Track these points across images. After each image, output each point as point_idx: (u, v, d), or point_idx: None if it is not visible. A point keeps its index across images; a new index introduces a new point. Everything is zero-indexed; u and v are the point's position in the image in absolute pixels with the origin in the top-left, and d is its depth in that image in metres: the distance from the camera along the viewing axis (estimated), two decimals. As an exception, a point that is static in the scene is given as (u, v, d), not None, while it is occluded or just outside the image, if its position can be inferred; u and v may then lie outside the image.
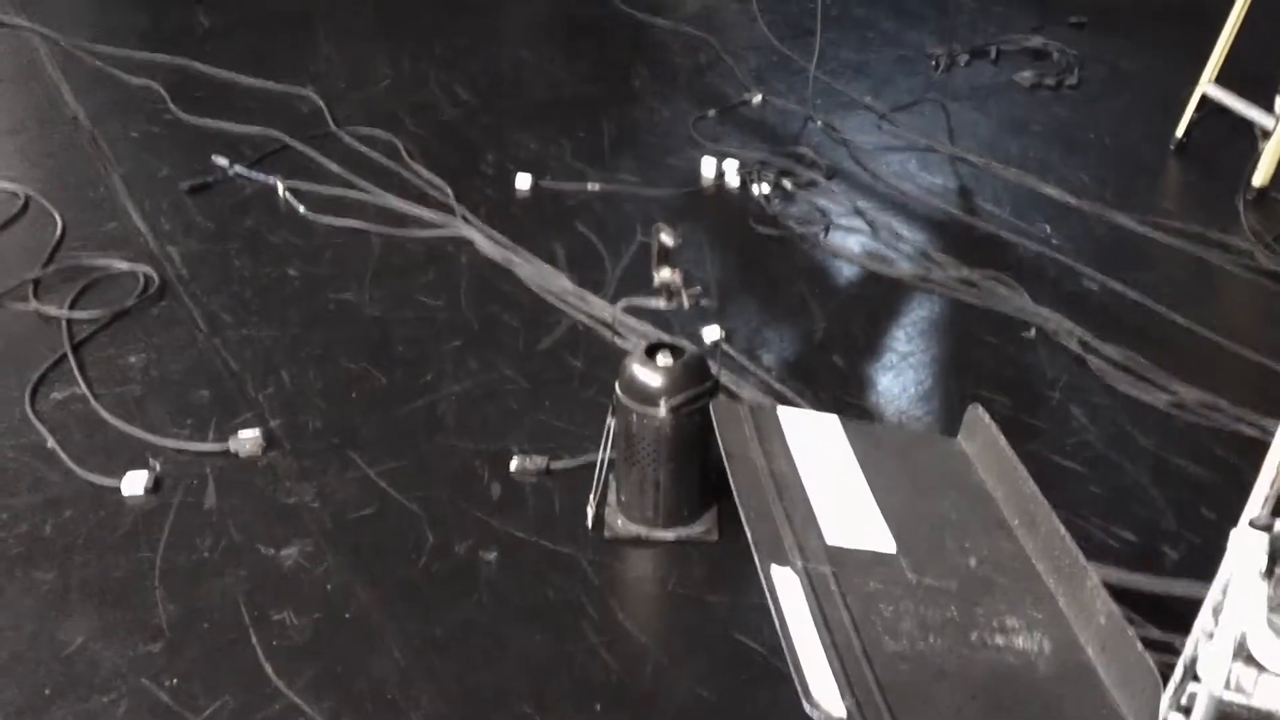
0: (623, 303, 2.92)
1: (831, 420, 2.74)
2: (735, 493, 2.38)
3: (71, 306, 3.56)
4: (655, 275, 2.66)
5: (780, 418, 2.71)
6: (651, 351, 2.65)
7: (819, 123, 4.76)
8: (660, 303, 2.71)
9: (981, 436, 2.61)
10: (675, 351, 2.65)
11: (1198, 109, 4.50)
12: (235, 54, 5.25)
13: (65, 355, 3.34)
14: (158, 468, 2.93)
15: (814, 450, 2.61)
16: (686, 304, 2.68)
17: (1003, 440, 2.51)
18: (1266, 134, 4.17)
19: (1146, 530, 2.81)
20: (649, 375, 2.62)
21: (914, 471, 2.61)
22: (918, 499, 2.51)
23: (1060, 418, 3.17)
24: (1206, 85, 4.45)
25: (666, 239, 2.59)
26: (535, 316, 3.58)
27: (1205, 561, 2.23)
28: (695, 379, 2.63)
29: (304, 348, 3.42)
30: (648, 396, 2.61)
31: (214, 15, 5.74)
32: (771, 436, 2.63)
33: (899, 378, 3.34)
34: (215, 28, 5.64)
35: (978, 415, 2.62)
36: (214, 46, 5.36)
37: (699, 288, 3.51)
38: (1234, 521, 1.69)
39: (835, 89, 5.05)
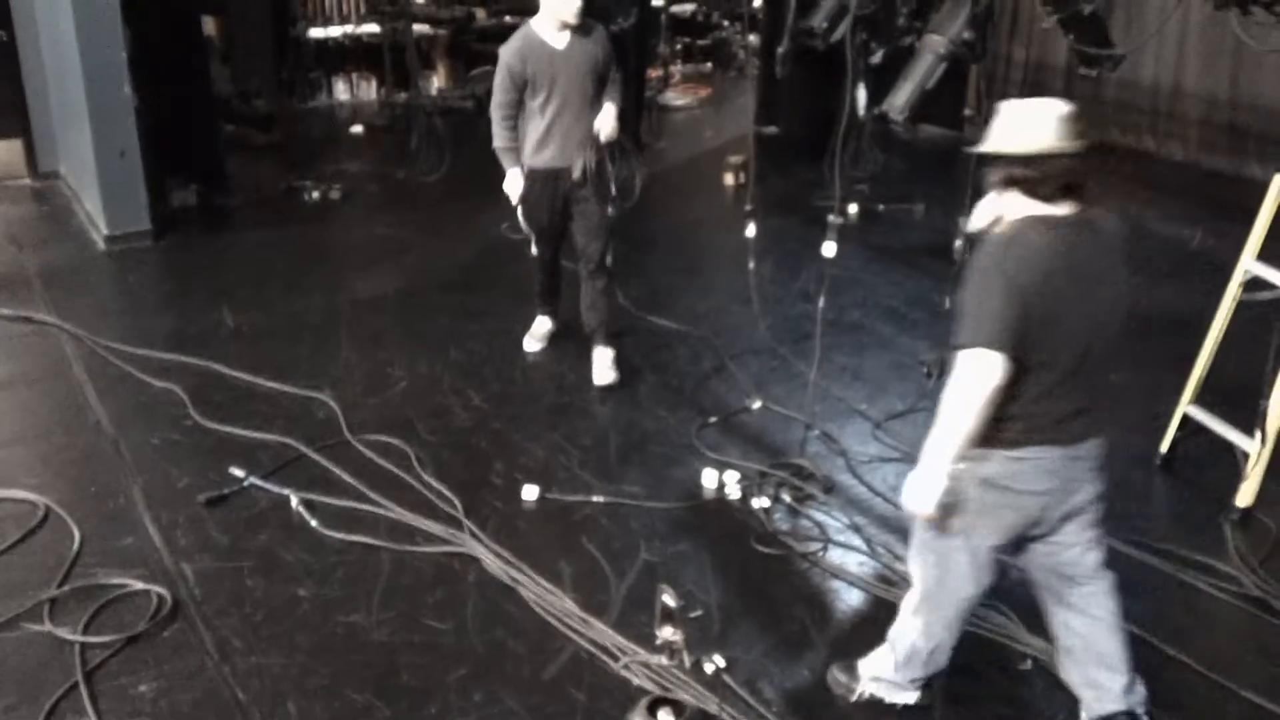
0: (626, 659, 2.99)
1: None
2: None
3: (85, 629, 3.63)
4: (658, 634, 2.75)
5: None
6: (653, 708, 2.71)
7: (817, 432, 4.93)
8: (663, 659, 2.78)
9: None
10: (677, 708, 2.71)
11: (1180, 426, 4.67)
12: (257, 356, 5.50)
13: (77, 683, 3.39)
14: (161, 816, 2.94)
15: None
16: (688, 663, 2.76)
17: None
18: (1248, 456, 4.32)
19: None
20: (652, 734, 2.67)
21: None
22: None
23: (1060, 762, 3.20)
24: (1188, 406, 4.63)
25: (669, 600, 2.69)
26: (540, 642, 3.63)
27: None
28: (697, 737, 2.69)
29: (311, 677, 3.47)
30: (650, 756, 2.66)
31: (240, 316, 6.04)
32: None
33: (900, 717, 3.37)
34: (240, 329, 5.93)
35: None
36: (237, 348, 5.62)
37: (700, 610, 3.61)
38: None
39: (833, 394, 5.25)
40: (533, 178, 5.20)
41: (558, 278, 5.67)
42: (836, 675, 3.43)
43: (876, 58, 5.92)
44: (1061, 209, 2.87)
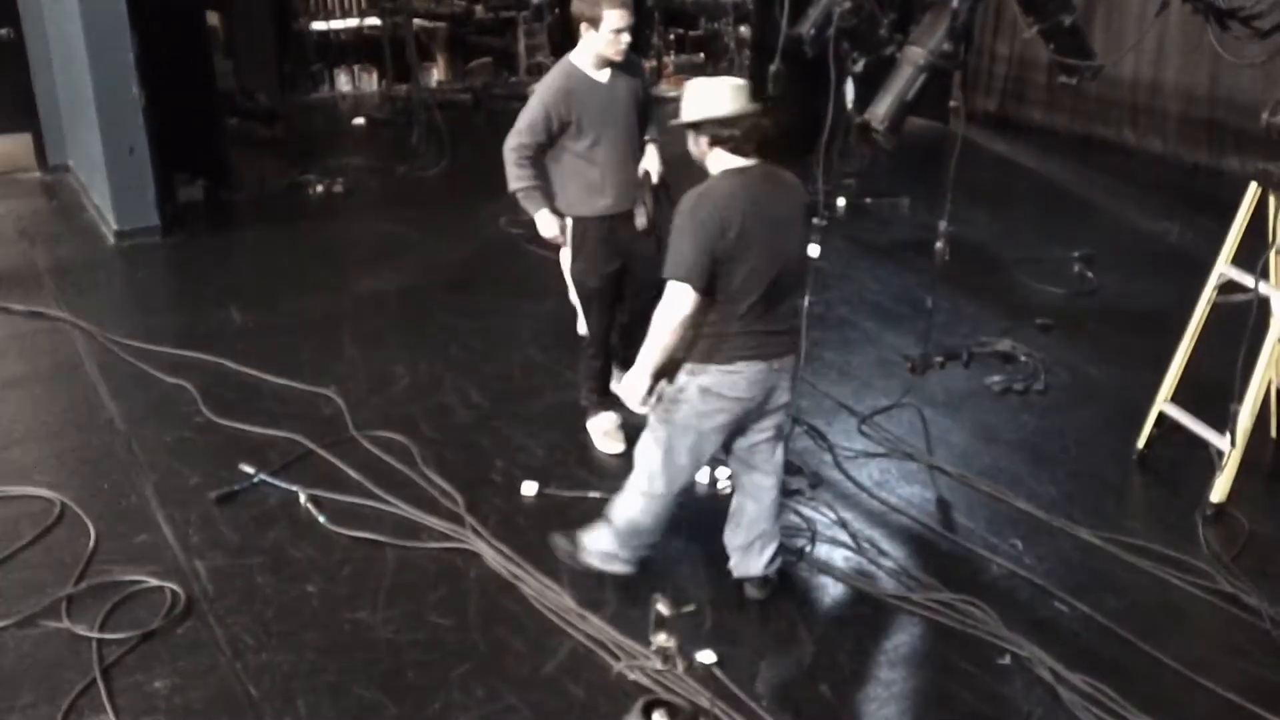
0: (621, 665, 3.15)
1: None
2: None
3: (102, 625, 3.78)
4: (652, 640, 2.90)
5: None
6: (648, 709, 2.87)
7: (804, 428, 5.07)
8: (657, 663, 2.94)
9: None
10: (672, 711, 2.87)
11: (1157, 424, 4.82)
12: (265, 353, 5.66)
13: (95, 680, 3.54)
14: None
15: None
16: (680, 668, 2.91)
17: None
18: (1222, 453, 4.47)
19: None
20: (644, 733, 2.83)
21: None
22: None
23: (1036, 757, 3.36)
24: (1164, 404, 4.78)
25: (662, 608, 2.85)
26: (539, 638, 3.79)
27: None
28: (688, 735, 2.85)
29: (320, 674, 3.62)
30: (643, 753, 2.82)
31: (247, 315, 6.19)
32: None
33: (882, 709, 3.54)
34: (247, 326, 6.08)
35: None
36: (245, 345, 5.77)
37: (693, 605, 3.76)
38: None
39: (819, 390, 5.40)
40: (584, 228, 4.68)
41: (611, 361, 4.99)
42: (559, 542, 4.06)
43: (858, 67, 6.04)
44: (751, 160, 3.58)
